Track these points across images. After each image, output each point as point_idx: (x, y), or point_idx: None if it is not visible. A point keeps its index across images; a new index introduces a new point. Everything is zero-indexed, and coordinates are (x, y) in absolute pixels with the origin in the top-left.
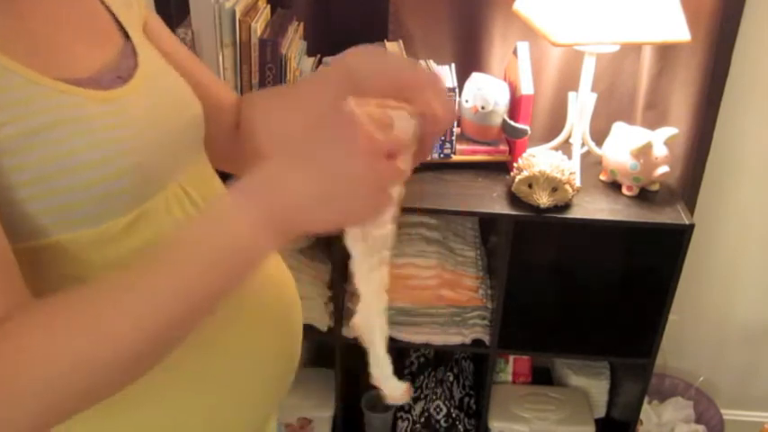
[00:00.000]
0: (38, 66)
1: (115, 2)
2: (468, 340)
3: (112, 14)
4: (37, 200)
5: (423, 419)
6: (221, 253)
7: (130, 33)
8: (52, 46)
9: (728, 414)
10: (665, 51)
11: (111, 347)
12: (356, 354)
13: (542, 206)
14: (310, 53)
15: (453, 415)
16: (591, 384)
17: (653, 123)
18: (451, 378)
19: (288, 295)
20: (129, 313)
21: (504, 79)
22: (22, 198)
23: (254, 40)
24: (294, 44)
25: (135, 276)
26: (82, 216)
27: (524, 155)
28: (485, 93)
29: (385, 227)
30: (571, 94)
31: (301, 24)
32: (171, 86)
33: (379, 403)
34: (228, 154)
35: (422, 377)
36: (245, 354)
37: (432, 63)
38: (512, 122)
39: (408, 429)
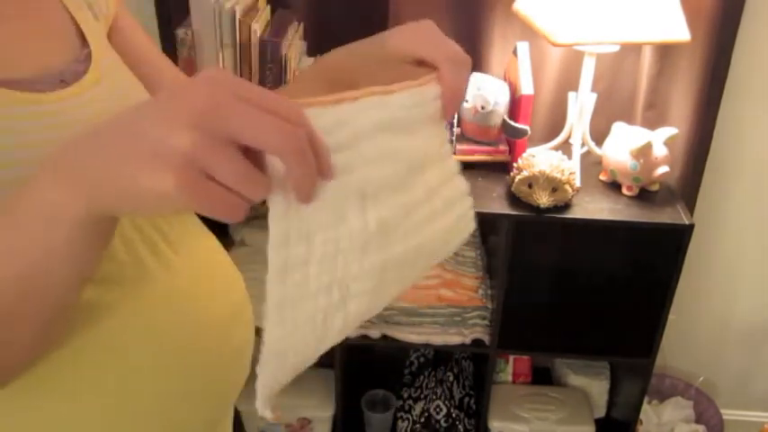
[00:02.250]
0: None
1: (76, 4)
2: (468, 340)
3: (72, 18)
4: None
5: (423, 419)
6: (19, 221)
7: (89, 38)
8: None
9: (728, 414)
10: (665, 51)
11: None
12: (356, 354)
13: (542, 206)
14: (310, 53)
15: (453, 415)
16: (591, 384)
17: (653, 123)
18: (451, 378)
19: (230, 304)
20: None
21: (504, 79)
22: None
23: (255, 41)
24: (294, 44)
25: None
26: None
27: (524, 155)
28: (485, 93)
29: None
30: (571, 94)
31: (301, 25)
32: (125, 96)
33: (379, 403)
34: None
35: (422, 377)
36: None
37: None
38: (512, 122)
39: (408, 429)
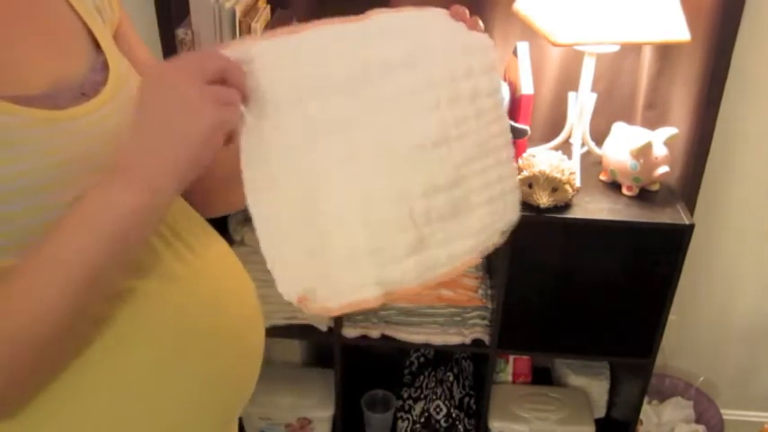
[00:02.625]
0: None
1: (87, 11)
2: (468, 340)
3: (85, 25)
4: None
5: (423, 419)
6: (86, 217)
7: (103, 46)
8: (1, 59)
9: (728, 414)
10: (665, 51)
11: (20, 321)
12: (356, 354)
13: (542, 206)
14: None
15: (453, 415)
16: (591, 384)
17: (653, 123)
18: (451, 378)
19: (246, 309)
20: (34, 288)
21: (504, 79)
22: None
23: None
24: None
25: (34, 254)
26: (28, 243)
27: (524, 155)
28: None
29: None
30: (571, 94)
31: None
32: None
33: (379, 403)
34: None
35: (422, 377)
36: (194, 376)
37: None
38: (512, 122)
39: (408, 429)
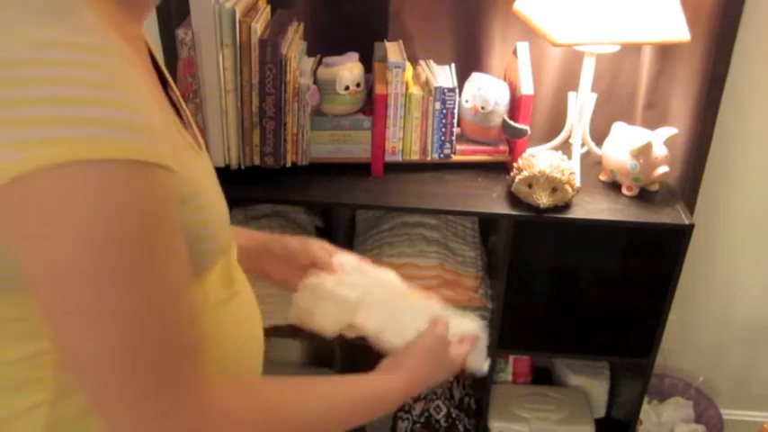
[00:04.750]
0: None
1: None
2: None
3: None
4: None
5: (423, 419)
6: (373, 409)
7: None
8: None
9: (728, 414)
10: (665, 51)
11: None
12: (356, 354)
13: (542, 206)
14: (310, 53)
15: (453, 415)
16: (591, 384)
17: (653, 123)
18: (451, 378)
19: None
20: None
21: (504, 79)
22: None
23: (254, 41)
24: (294, 44)
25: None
26: (196, 274)
27: (524, 155)
28: (485, 93)
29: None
30: (571, 94)
31: (301, 24)
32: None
33: None
34: None
35: None
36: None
37: (432, 63)
38: (512, 122)
39: (408, 429)
